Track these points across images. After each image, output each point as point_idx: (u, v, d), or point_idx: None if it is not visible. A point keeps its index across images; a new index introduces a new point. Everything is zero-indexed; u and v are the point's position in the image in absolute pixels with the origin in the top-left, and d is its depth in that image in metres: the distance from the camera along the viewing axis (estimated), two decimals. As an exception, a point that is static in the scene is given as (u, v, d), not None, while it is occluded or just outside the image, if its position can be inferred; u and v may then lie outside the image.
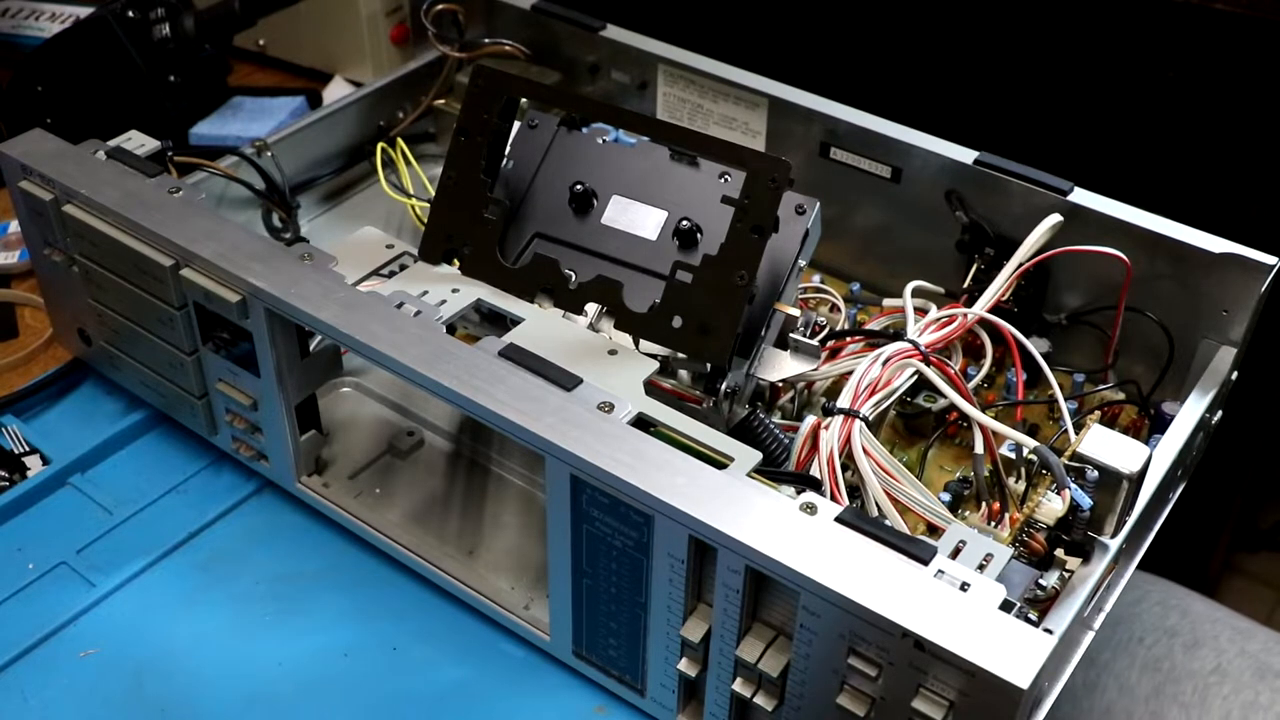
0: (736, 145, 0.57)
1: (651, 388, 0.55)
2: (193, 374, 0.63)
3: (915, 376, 0.61)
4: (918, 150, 0.69)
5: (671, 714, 0.54)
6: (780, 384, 0.61)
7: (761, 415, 0.59)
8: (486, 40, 0.82)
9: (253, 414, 0.62)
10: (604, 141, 0.63)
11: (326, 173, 0.80)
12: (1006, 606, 0.44)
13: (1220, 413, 0.65)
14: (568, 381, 0.52)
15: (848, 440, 0.56)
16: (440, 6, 0.79)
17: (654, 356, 0.57)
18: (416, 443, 0.67)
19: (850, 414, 0.57)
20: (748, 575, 0.47)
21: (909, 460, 0.64)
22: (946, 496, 0.60)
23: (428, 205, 0.64)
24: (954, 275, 0.70)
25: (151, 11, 0.86)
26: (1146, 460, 0.50)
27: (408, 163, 0.72)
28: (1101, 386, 0.67)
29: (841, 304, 0.71)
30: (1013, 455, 0.59)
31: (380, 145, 0.73)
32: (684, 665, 0.51)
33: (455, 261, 0.61)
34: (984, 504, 0.59)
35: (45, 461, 0.67)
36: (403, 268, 0.63)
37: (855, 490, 0.56)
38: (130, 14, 0.85)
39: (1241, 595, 1.41)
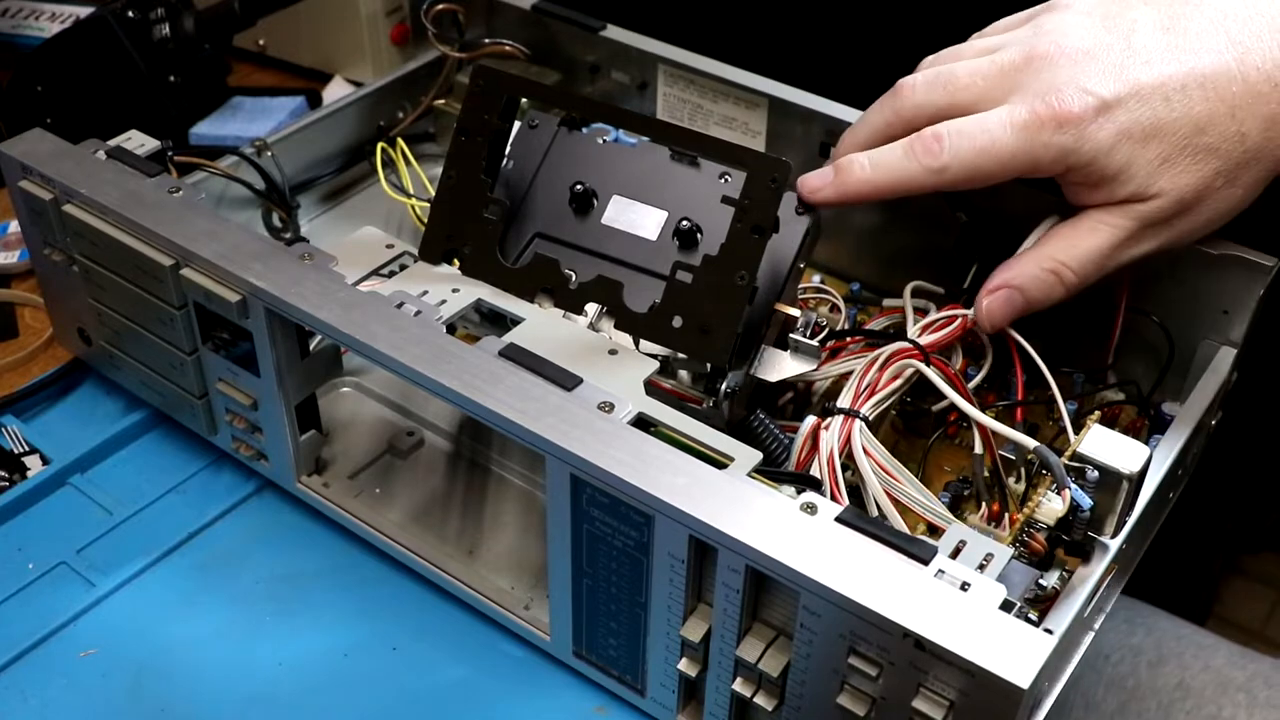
0: (736, 145, 0.57)
1: (651, 388, 0.55)
2: (193, 374, 0.63)
3: (915, 376, 0.61)
4: (918, 150, 0.69)
5: (671, 714, 0.54)
6: (780, 384, 0.61)
7: (762, 415, 0.59)
8: (486, 40, 0.82)
9: (253, 414, 0.62)
10: (604, 141, 0.63)
11: (326, 173, 0.80)
12: (1007, 606, 0.44)
13: (1220, 413, 0.65)
14: (568, 381, 0.52)
15: (848, 440, 0.56)
16: (440, 6, 0.79)
17: (654, 356, 0.57)
18: (416, 443, 0.67)
19: (850, 414, 0.57)
20: (748, 575, 0.47)
21: (909, 460, 0.64)
22: (946, 496, 0.60)
23: (428, 205, 0.64)
24: (954, 275, 0.69)
25: (151, 11, 0.86)
26: (1147, 460, 0.50)
27: (408, 163, 0.72)
28: (1101, 386, 0.67)
29: (841, 304, 0.71)
30: (1013, 456, 0.59)
31: (380, 145, 0.73)
32: (684, 665, 0.51)
33: (455, 261, 0.61)
34: (984, 504, 0.59)
35: (45, 461, 0.67)
36: (403, 268, 0.63)
37: (855, 490, 0.56)
38: (130, 14, 0.85)
39: (1241, 595, 1.41)
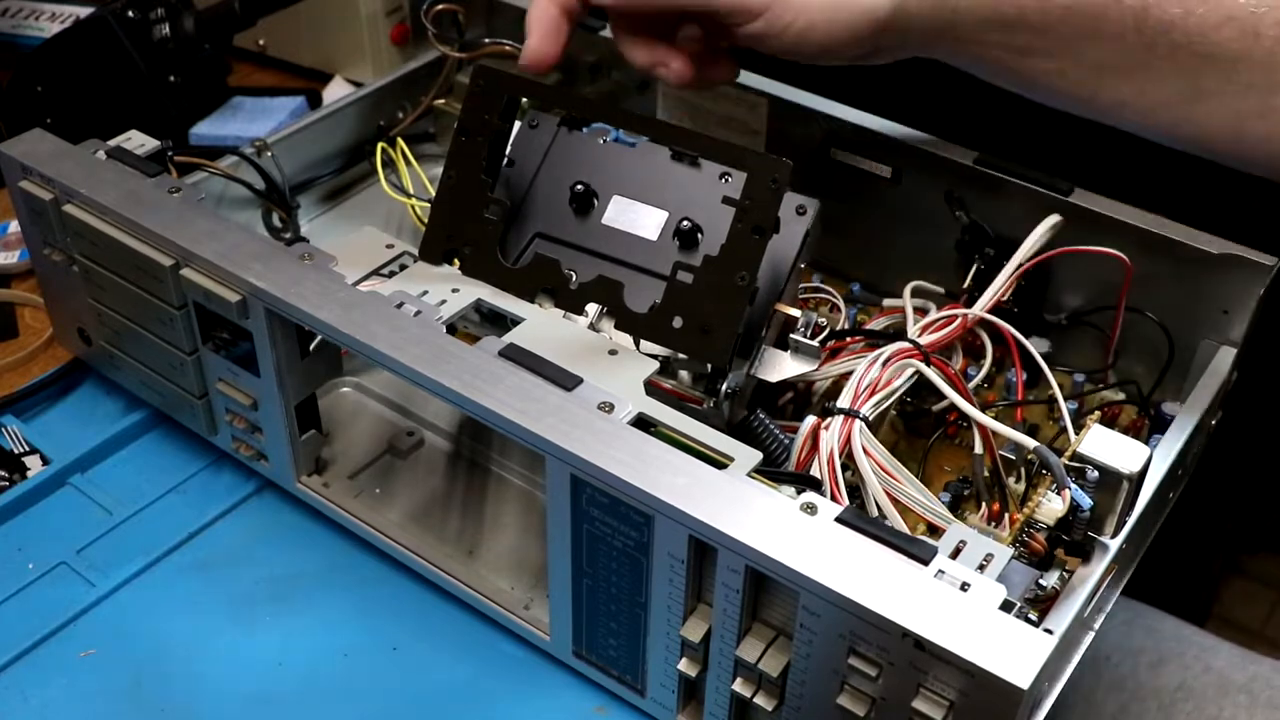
0: (736, 145, 0.57)
1: (651, 388, 0.55)
2: (193, 374, 0.63)
3: (915, 376, 0.61)
4: (918, 150, 0.69)
5: (671, 714, 0.54)
6: (780, 384, 0.61)
7: (762, 415, 0.59)
8: (486, 40, 0.82)
9: (253, 414, 0.62)
10: (604, 142, 0.63)
11: (326, 173, 0.80)
12: (1007, 606, 0.44)
13: (1220, 413, 0.65)
14: (568, 381, 0.52)
15: (848, 440, 0.56)
16: (440, 6, 0.79)
17: (654, 357, 0.57)
18: (416, 443, 0.67)
19: (850, 414, 0.57)
20: (748, 575, 0.47)
21: (909, 460, 0.64)
22: (946, 496, 0.60)
23: (428, 205, 0.64)
24: (954, 275, 0.70)
25: (151, 11, 0.86)
26: (1147, 460, 0.50)
27: (408, 163, 0.72)
28: (1101, 386, 0.67)
29: (841, 304, 0.71)
30: (1013, 455, 0.59)
31: (380, 145, 0.73)
32: (684, 665, 0.51)
33: (455, 261, 0.61)
34: (984, 504, 0.59)
35: (45, 461, 0.67)
36: (403, 268, 0.63)
37: (855, 490, 0.56)
38: (130, 14, 0.85)
39: (1241, 595, 1.41)
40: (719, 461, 0.50)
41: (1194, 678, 0.72)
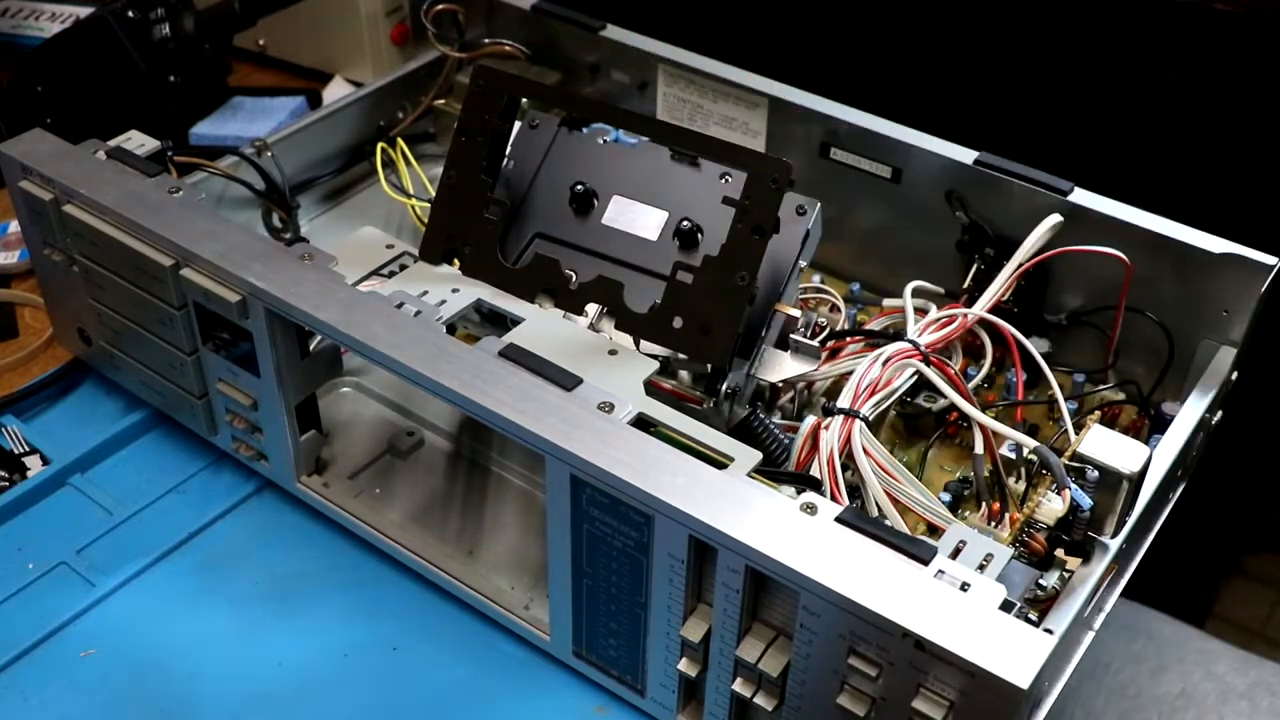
0: (737, 146, 0.57)
1: (652, 388, 0.55)
2: (193, 374, 0.63)
3: (915, 376, 0.61)
4: (918, 150, 0.69)
5: (671, 714, 0.54)
6: (780, 384, 0.61)
7: (761, 415, 0.59)
8: (486, 40, 0.82)
9: (253, 414, 0.62)
10: (604, 142, 0.64)
11: (326, 173, 0.80)
12: (1007, 606, 0.44)
13: (1220, 413, 0.65)
14: (568, 381, 0.52)
15: (848, 440, 0.56)
16: (440, 6, 0.79)
17: (654, 357, 0.57)
18: (416, 443, 0.67)
19: (850, 414, 0.57)
20: (748, 575, 0.47)
21: (909, 460, 0.64)
22: (946, 496, 0.60)
23: (428, 205, 0.64)
24: (954, 275, 0.70)
25: (151, 11, 0.86)
26: (1147, 460, 0.50)
27: (408, 163, 0.72)
28: (1101, 386, 0.67)
29: (841, 304, 0.71)
30: (1013, 455, 0.59)
31: (380, 145, 0.73)
32: (684, 665, 0.51)
33: (455, 261, 0.61)
34: (984, 504, 0.59)
35: (45, 461, 0.67)
36: (403, 268, 0.63)
37: (855, 490, 0.56)
38: (130, 14, 0.85)
39: (1241, 595, 1.41)
40: (719, 461, 0.50)
41: (1195, 685, 0.72)
